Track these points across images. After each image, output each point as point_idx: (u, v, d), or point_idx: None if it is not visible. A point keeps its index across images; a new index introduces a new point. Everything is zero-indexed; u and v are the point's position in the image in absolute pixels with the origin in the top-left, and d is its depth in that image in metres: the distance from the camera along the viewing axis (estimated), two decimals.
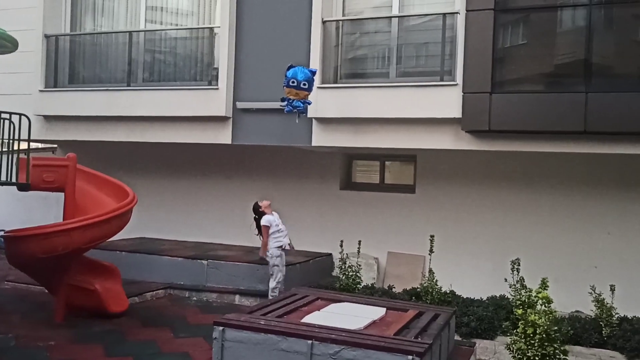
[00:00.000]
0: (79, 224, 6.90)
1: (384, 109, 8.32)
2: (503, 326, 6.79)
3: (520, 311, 5.82)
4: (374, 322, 5.77)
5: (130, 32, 10.18)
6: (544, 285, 6.08)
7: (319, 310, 6.10)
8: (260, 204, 8.37)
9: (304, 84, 7.68)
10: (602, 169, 8.71)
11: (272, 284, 8.21)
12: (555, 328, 5.65)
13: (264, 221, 8.20)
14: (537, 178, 9.10)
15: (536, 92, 7.57)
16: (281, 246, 8.21)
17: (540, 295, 5.74)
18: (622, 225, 8.64)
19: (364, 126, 8.57)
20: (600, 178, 8.77)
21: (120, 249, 9.71)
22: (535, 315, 5.65)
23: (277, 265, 8.20)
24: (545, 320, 5.60)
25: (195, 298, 8.99)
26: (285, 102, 7.85)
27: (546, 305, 5.70)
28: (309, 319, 5.70)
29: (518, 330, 5.81)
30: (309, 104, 7.91)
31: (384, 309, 6.27)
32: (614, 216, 8.67)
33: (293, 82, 7.69)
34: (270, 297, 8.14)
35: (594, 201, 8.78)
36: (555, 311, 5.72)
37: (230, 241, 10.74)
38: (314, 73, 7.90)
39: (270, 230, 8.18)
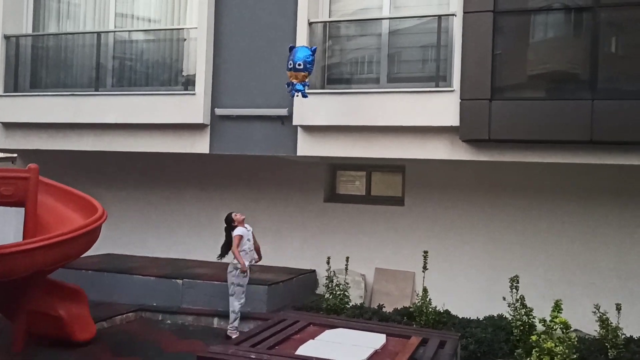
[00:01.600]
0: (41, 243, 6.20)
1: (374, 117, 7.83)
2: (515, 354, 6.28)
3: (534, 337, 5.33)
4: (376, 352, 5.23)
5: (98, 33, 9.51)
6: (558, 308, 5.59)
7: (313, 338, 5.54)
8: (234, 216, 7.66)
9: (299, 65, 7.42)
10: (604, 182, 8.33)
11: (235, 305, 7.49)
12: (575, 357, 5.17)
13: (236, 231, 7.53)
14: (533, 190, 8.69)
15: (539, 99, 7.16)
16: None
17: (557, 320, 5.25)
18: (623, 240, 8.27)
19: (352, 135, 8.06)
20: (601, 191, 8.38)
21: (86, 267, 8.98)
22: (551, 343, 5.17)
23: (242, 285, 7.51)
24: (563, 348, 5.12)
25: (169, 321, 8.31)
26: (290, 87, 7.62)
27: (564, 331, 5.22)
28: (304, 349, 5.14)
29: (532, 358, 5.32)
30: (307, 85, 7.61)
31: (384, 336, 5.73)
32: (614, 231, 8.30)
33: (291, 65, 7.50)
34: (231, 324, 7.49)
35: (593, 215, 8.40)
36: (575, 338, 5.24)
37: (207, 257, 10.05)
38: (314, 51, 7.56)
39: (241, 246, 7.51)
